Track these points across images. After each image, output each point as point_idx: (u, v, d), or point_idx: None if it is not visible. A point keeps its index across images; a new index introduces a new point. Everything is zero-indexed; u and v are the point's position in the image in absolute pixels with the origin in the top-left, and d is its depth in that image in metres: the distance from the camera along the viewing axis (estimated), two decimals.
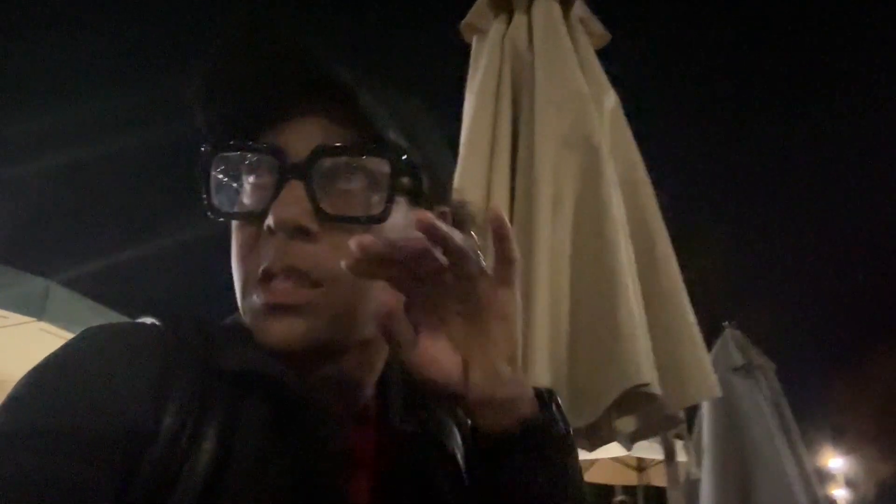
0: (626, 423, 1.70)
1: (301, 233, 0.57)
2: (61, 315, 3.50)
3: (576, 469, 0.63)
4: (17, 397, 0.52)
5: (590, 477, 7.23)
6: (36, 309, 3.46)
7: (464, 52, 2.30)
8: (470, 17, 2.23)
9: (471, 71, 2.19)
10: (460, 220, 0.75)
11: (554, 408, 0.62)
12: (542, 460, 0.59)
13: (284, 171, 0.59)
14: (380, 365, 0.70)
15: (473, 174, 1.86)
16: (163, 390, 0.56)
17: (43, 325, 3.43)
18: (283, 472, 0.58)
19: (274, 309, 0.58)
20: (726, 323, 4.67)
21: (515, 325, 0.59)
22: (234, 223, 0.63)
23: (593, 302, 1.64)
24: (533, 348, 1.57)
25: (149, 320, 0.63)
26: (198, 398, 0.57)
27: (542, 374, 1.56)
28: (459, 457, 0.72)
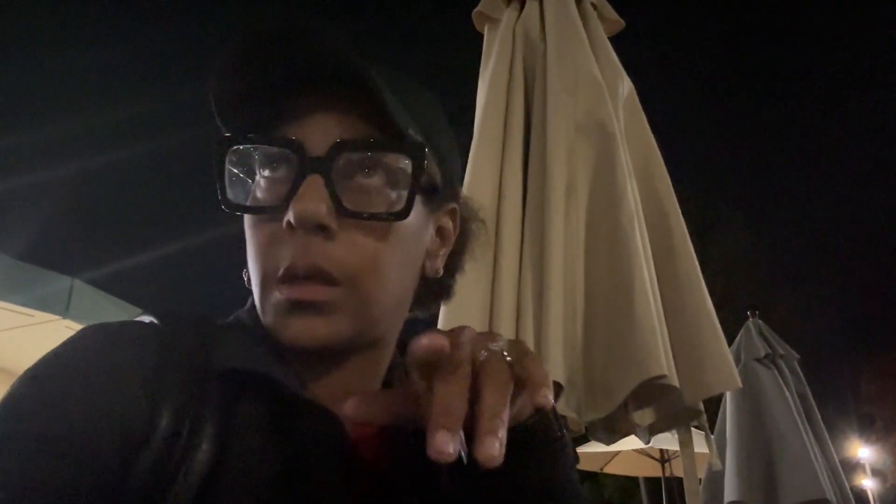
0: (644, 416, 1.68)
1: (321, 230, 0.56)
2: (86, 312, 3.56)
3: (570, 472, 0.62)
4: (11, 398, 0.52)
5: (612, 469, 7.20)
6: (61, 307, 3.52)
7: (476, 42, 2.28)
8: (482, 5, 2.21)
9: (483, 60, 2.16)
10: (465, 216, 0.74)
11: (546, 411, 0.61)
12: (534, 463, 0.59)
13: (304, 166, 0.57)
14: (385, 364, 0.69)
15: (486, 163, 1.84)
16: (158, 390, 0.55)
17: (68, 322, 3.49)
18: (281, 471, 0.57)
19: (296, 306, 0.57)
20: (750, 313, 4.60)
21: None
22: (249, 218, 0.62)
23: (608, 292, 1.62)
24: (547, 340, 1.55)
25: (146, 319, 0.63)
26: (194, 398, 0.56)
27: (556, 366, 1.54)
28: (463, 455, 0.71)
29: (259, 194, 0.61)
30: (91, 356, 0.56)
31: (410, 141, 0.59)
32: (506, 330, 1.63)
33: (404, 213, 0.59)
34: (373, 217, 0.59)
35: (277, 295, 0.58)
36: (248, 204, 0.61)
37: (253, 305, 0.68)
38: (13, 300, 3.45)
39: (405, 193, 0.59)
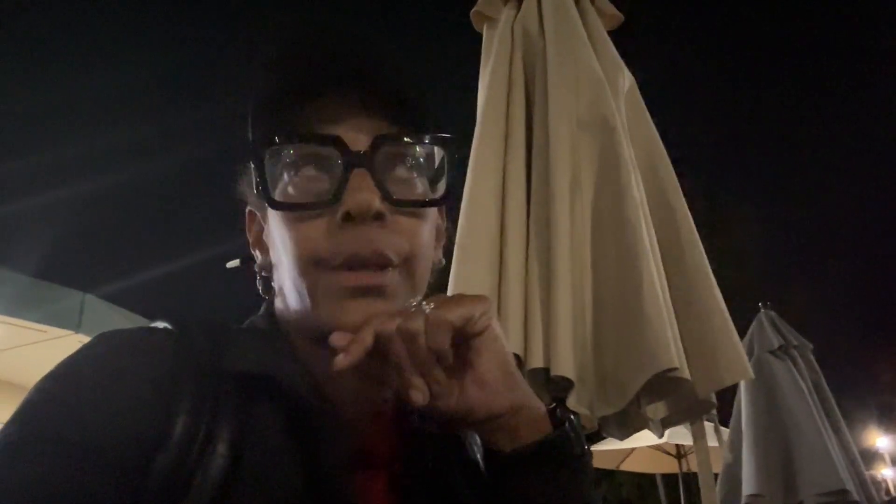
0: (657, 410, 1.67)
1: (378, 219, 0.59)
2: (97, 326, 3.57)
3: (590, 490, 0.62)
4: (29, 404, 0.53)
5: (629, 466, 7.16)
6: (73, 322, 3.55)
7: (475, 42, 2.28)
8: (479, 5, 2.21)
9: (483, 59, 2.16)
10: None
11: (567, 427, 0.62)
12: (554, 482, 0.59)
13: (349, 161, 0.60)
14: None
15: (489, 162, 1.84)
16: (173, 395, 0.56)
17: (80, 337, 3.51)
18: (295, 474, 0.58)
19: (358, 291, 0.59)
20: (762, 304, 4.56)
21: (498, 341, 0.60)
22: (286, 215, 0.63)
23: (616, 286, 1.61)
24: (556, 337, 1.55)
25: (161, 325, 0.63)
26: (209, 402, 0.57)
27: (566, 363, 1.53)
28: (479, 457, 0.72)
29: (293, 191, 0.62)
30: (106, 362, 0.56)
31: (442, 134, 0.64)
32: (513, 327, 1.62)
33: (445, 198, 0.65)
34: (421, 204, 0.63)
35: (337, 281, 0.59)
36: (286, 201, 0.62)
37: (268, 311, 0.69)
38: (27, 317, 3.48)
39: (437, 182, 0.64)
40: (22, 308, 3.45)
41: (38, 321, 3.48)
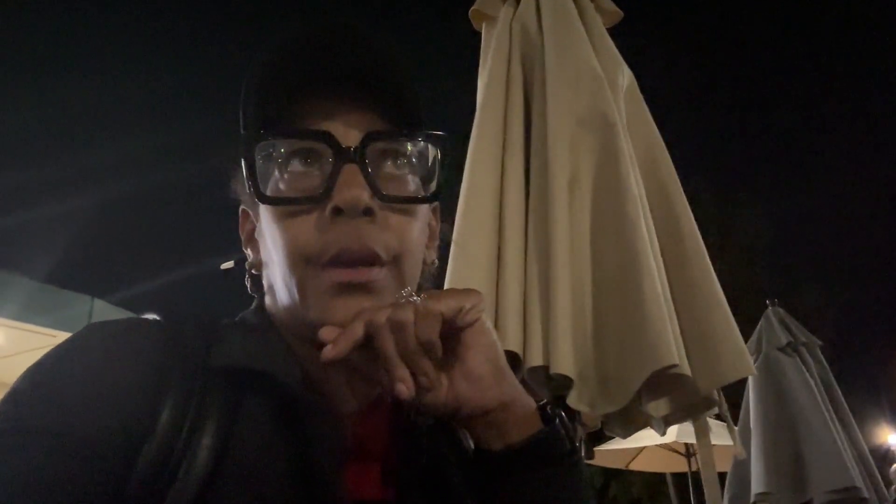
0: (659, 407, 1.65)
1: (367, 214, 0.59)
2: None
3: (581, 485, 0.62)
4: (16, 394, 0.53)
5: (638, 465, 7.12)
6: (81, 326, 3.58)
7: (475, 41, 2.28)
8: (478, 3, 2.21)
9: (481, 58, 2.16)
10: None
11: (557, 423, 0.62)
12: (544, 478, 0.59)
13: (339, 156, 0.60)
14: None
15: (487, 159, 1.83)
16: (160, 386, 0.56)
17: None
18: (282, 467, 0.58)
19: (346, 288, 0.59)
20: (769, 301, 4.53)
21: (488, 335, 0.60)
22: (278, 210, 0.63)
23: (616, 283, 1.60)
24: (556, 334, 1.54)
25: (150, 316, 0.64)
26: (196, 394, 0.57)
27: (566, 361, 1.52)
28: (469, 443, 0.72)
29: (283, 186, 0.62)
30: (93, 352, 0.57)
31: (433, 131, 0.64)
32: (512, 325, 1.62)
33: (436, 196, 0.64)
34: (412, 201, 0.63)
35: (326, 278, 0.59)
36: (276, 196, 0.62)
37: (259, 307, 0.69)
38: (37, 322, 3.51)
39: (429, 180, 0.64)
40: (32, 313, 3.47)
41: (48, 326, 3.51)
